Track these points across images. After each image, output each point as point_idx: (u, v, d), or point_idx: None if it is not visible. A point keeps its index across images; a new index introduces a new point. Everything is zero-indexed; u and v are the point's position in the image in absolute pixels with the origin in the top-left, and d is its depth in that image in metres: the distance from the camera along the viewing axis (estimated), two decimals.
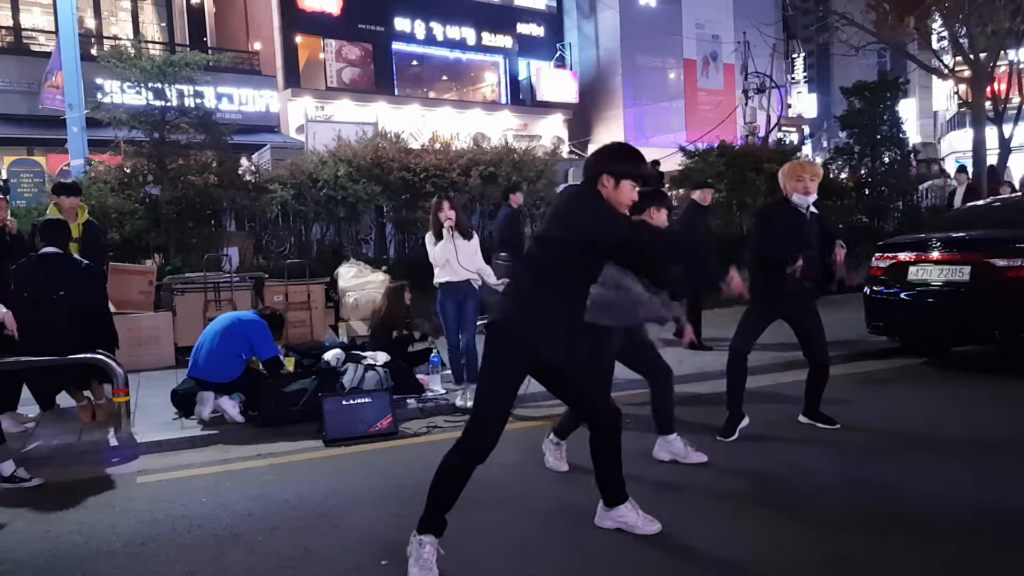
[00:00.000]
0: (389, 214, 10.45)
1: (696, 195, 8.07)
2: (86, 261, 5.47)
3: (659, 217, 4.17)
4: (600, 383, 3.60)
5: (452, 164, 10.27)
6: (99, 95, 12.17)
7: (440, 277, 5.87)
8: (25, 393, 5.52)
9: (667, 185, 11.04)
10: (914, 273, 6.68)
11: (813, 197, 4.74)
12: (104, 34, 18.59)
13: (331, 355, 6.10)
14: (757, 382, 6.51)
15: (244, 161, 10.84)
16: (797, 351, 7.27)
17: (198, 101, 9.82)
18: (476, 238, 5.92)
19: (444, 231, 5.73)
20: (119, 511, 3.93)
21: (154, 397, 6.08)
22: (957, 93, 23.46)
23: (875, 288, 7.08)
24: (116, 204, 8.67)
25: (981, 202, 9.40)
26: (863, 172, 13.83)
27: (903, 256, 6.83)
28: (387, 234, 10.54)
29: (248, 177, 9.89)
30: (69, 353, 4.93)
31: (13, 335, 4.73)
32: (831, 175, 14.01)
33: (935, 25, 16.99)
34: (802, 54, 30.81)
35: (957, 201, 11.49)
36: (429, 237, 5.92)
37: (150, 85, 9.26)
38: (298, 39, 20.81)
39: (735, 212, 11.96)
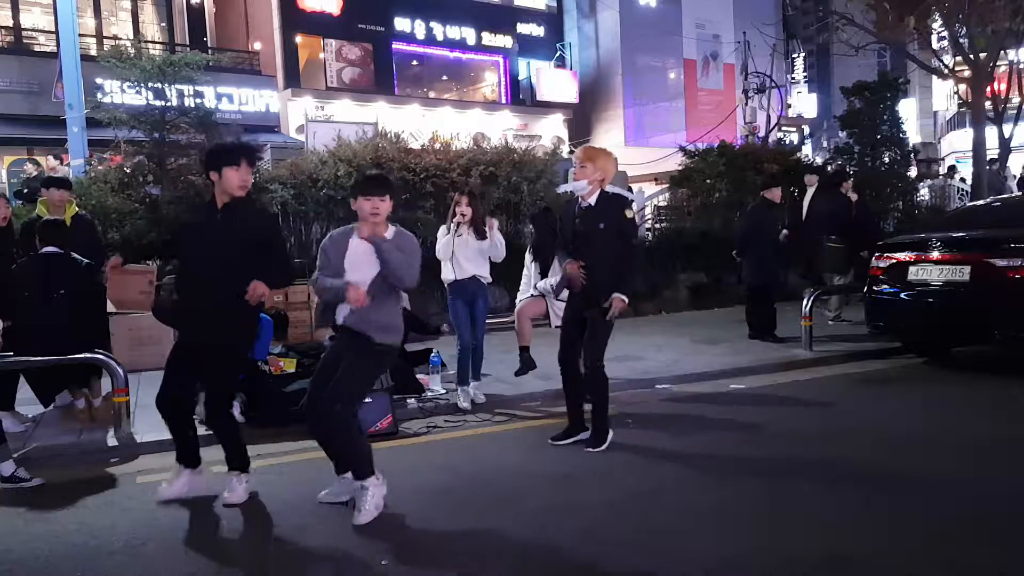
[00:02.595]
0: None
1: (768, 194, 8.10)
2: (86, 260, 5.47)
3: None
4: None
5: (452, 164, 10.24)
6: (99, 95, 12.16)
7: (446, 274, 5.80)
8: (27, 393, 5.52)
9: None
10: (914, 273, 6.68)
11: (583, 183, 4.50)
12: (104, 34, 18.59)
13: None
14: (756, 382, 6.53)
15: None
16: (796, 348, 7.40)
17: (198, 101, 9.81)
18: (490, 241, 5.64)
19: (451, 225, 5.69)
20: (119, 511, 3.92)
21: (154, 397, 6.06)
22: (957, 93, 23.43)
23: (875, 288, 7.08)
24: (116, 204, 8.66)
25: (981, 202, 9.39)
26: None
27: (903, 256, 6.83)
28: None
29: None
30: (69, 352, 4.94)
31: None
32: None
33: (935, 25, 16.97)
34: (802, 54, 30.75)
35: (805, 204, 9.53)
36: (442, 230, 5.87)
37: (150, 85, 9.24)
38: (298, 39, 20.79)
39: (735, 213, 11.96)
